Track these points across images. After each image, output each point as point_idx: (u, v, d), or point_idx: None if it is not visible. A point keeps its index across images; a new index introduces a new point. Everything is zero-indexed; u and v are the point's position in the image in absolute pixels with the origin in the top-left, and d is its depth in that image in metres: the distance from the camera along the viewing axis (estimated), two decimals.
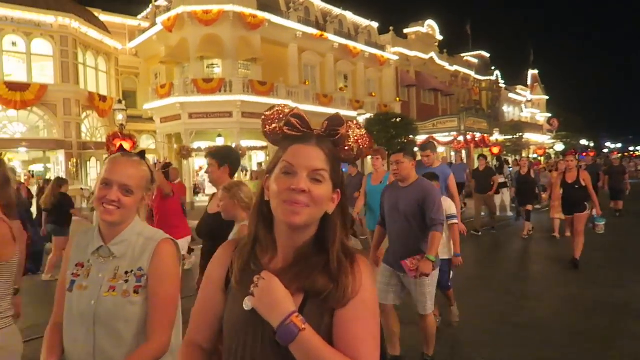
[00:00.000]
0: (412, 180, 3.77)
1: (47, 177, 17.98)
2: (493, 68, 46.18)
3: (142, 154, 1.77)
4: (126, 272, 1.64)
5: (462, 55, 42.45)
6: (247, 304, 1.08)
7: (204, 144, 20.98)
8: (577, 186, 7.56)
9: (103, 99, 22.11)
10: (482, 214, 11.55)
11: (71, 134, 20.05)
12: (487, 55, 47.45)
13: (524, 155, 31.83)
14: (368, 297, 1.10)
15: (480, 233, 10.77)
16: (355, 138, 1.14)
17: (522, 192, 10.89)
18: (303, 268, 1.09)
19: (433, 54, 34.87)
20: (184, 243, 6.42)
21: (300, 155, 1.09)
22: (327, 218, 1.13)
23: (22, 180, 20.95)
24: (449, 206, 4.64)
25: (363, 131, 1.16)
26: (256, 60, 21.94)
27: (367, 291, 1.10)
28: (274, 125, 1.15)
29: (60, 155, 20.44)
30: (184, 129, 20.54)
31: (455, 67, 38.53)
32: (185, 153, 19.37)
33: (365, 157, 1.17)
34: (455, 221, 4.66)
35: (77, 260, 1.70)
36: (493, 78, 44.81)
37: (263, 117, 1.17)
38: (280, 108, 1.16)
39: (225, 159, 3.25)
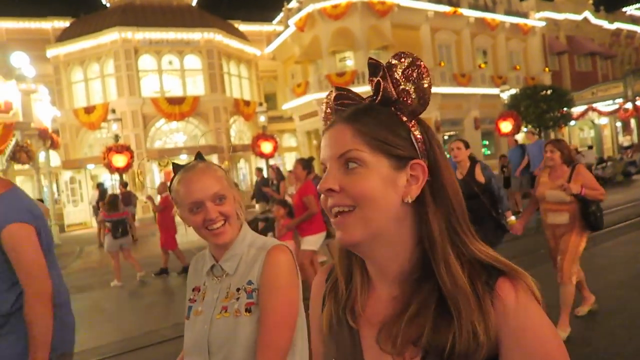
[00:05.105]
0: None
1: None
2: None
3: (199, 156, 1.59)
4: (237, 289, 1.43)
5: (624, 9, 36.89)
6: None
7: None
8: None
9: (247, 103, 23.59)
10: None
11: (222, 139, 21.78)
12: None
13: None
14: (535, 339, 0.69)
15: None
16: (403, 75, 0.74)
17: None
18: (409, 310, 0.73)
19: (587, 14, 30.74)
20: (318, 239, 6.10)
21: (323, 147, 0.80)
22: (420, 211, 0.76)
23: None
24: None
25: (408, 60, 0.75)
26: (387, 47, 21.46)
27: (534, 331, 0.69)
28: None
29: (214, 159, 22.30)
30: (321, 125, 20.94)
31: (616, 25, 33.53)
32: None
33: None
34: None
35: (194, 285, 1.56)
36: None
37: (322, 119, 0.91)
38: (324, 101, 0.89)
39: None
